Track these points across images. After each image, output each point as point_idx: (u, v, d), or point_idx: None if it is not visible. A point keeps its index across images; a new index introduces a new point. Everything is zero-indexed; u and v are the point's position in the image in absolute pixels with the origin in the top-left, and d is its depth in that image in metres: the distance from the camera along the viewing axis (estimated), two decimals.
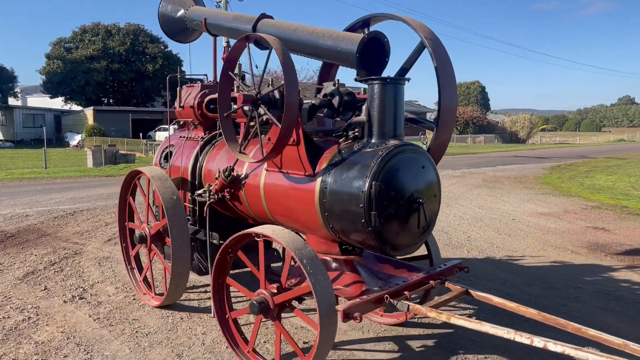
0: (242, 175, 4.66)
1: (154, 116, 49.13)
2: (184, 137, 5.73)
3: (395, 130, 3.83)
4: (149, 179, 5.14)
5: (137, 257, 5.88)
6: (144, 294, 5.58)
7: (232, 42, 5.71)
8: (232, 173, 4.64)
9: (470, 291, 3.96)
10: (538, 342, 3.05)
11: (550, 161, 28.98)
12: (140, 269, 5.78)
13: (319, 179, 3.90)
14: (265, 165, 4.43)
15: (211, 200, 4.86)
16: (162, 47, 52.92)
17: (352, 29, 4.58)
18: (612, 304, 5.68)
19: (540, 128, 77.57)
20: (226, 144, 5.09)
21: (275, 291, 3.70)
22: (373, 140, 3.82)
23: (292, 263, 3.74)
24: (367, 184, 3.54)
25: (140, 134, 37.76)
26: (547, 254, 7.98)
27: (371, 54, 3.96)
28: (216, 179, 4.80)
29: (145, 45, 51.63)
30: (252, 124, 4.21)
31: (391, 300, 3.61)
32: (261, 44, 4.52)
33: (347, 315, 3.36)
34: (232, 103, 4.89)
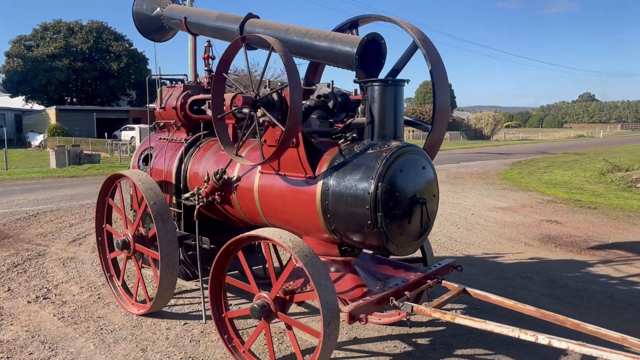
0: (234, 178, 4.65)
1: (119, 115, 48.33)
2: (165, 139, 5.66)
3: (396, 132, 3.91)
4: (134, 184, 5.00)
5: (114, 263, 5.74)
6: (129, 302, 5.43)
7: (214, 41, 5.73)
8: (223, 176, 4.63)
9: (468, 289, 4.11)
10: (543, 339, 3.16)
11: (512, 157, 29.79)
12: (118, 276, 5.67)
13: (320, 182, 3.92)
14: (259, 168, 4.43)
15: (200, 203, 4.81)
16: (127, 45, 52.03)
17: (340, 30, 4.66)
18: (556, 291, 6.05)
19: (505, 125, 79.19)
20: (213, 146, 5.14)
21: (281, 295, 3.73)
22: (374, 142, 3.86)
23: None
24: (373, 186, 3.60)
25: (106, 134, 37.13)
26: (502, 246, 8.36)
27: (368, 55, 4.02)
28: (205, 182, 4.77)
29: (110, 43, 50.68)
30: (240, 125, 4.16)
31: (395, 301, 3.69)
32: (251, 45, 4.48)
33: (353, 317, 3.43)
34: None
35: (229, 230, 5.46)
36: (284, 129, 3.75)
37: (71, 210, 11.35)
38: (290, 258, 3.87)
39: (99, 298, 5.77)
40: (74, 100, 52.50)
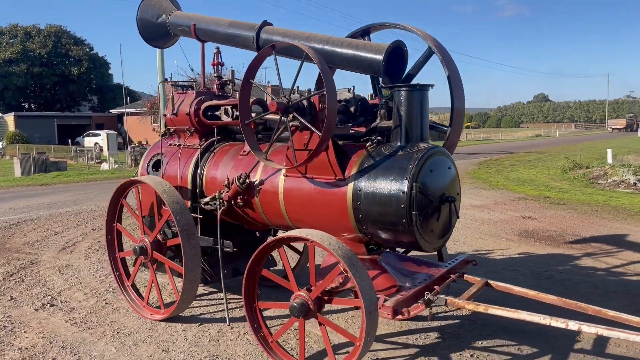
0: (256, 182, 4.79)
1: (81, 121, 47.33)
2: (177, 144, 5.73)
3: (422, 134, 4.16)
4: (157, 194, 5.03)
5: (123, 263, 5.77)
6: (140, 305, 5.48)
7: (221, 47, 5.81)
8: (247, 180, 4.75)
9: (490, 282, 4.42)
10: (573, 325, 3.47)
11: (477, 157, 30.65)
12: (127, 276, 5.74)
13: (350, 183, 4.11)
14: (283, 171, 4.58)
15: (222, 208, 4.94)
16: (88, 50, 51.04)
17: (352, 37, 4.87)
18: (543, 282, 6.44)
19: (465, 125, 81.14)
20: (229, 151, 5.27)
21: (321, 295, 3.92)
22: (403, 144, 4.11)
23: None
24: (407, 186, 3.84)
25: (69, 140, 36.29)
26: (485, 242, 8.76)
27: (392, 61, 4.25)
28: (225, 186, 4.90)
29: (69, 48, 49.58)
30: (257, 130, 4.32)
31: (429, 295, 3.92)
32: (277, 53, 4.64)
33: (396, 312, 3.68)
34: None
35: (243, 233, 5.64)
36: (320, 134, 3.93)
37: (52, 218, 11.18)
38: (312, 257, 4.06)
39: (106, 303, 5.82)
40: (33, 106, 51.11)
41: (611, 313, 3.81)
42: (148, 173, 5.85)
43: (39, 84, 49.23)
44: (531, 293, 4.24)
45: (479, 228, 9.91)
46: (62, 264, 7.50)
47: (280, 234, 4.54)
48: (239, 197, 4.89)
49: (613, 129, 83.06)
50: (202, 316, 5.42)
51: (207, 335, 4.91)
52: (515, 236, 9.19)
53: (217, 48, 5.79)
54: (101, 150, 33.14)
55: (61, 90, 50.13)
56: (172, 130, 5.82)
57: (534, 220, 10.70)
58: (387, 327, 5.07)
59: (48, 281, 6.68)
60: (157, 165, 5.86)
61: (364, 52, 4.33)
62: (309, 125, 4.00)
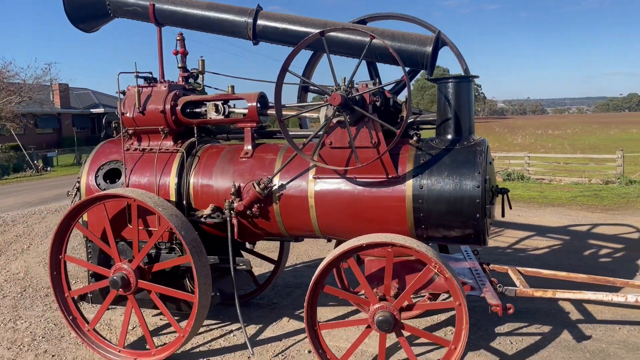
0: (275, 187, 4.20)
1: None
2: (139, 148, 4.70)
3: (471, 126, 4.06)
4: (151, 208, 4.16)
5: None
6: (122, 352, 4.46)
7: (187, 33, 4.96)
8: (269, 185, 4.14)
9: (519, 269, 4.56)
10: (631, 297, 3.92)
11: None
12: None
13: (409, 181, 3.87)
14: (312, 172, 4.11)
15: (232, 219, 4.29)
16: None
17: None
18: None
19: None
20: (220, 154, 4.56)
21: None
22: (455, 137, 3.99)
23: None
24: (481, 180, 3.73)
25: None
26: None
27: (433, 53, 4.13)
28: (231, 194, 4.24)
29: None
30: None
31: (501, 288, 4.05)
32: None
33: (504, 308, 3.80)
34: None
35: (222, 248, 4.88)
36: (396, 130, 3.67)
37: None
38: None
39: (53, 356, 4.55)
40: None
41: (638, 282, 4.30)
42: (98, 186, 4.68)
43: None
44: (561, 274, 4.54)
45: None
46: None
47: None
48: (255, 206, 4.26)
49: None
50: (200, 349, 4.60)
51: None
52: None
53: (181, 34, 4.94)
54: None
55: None
56: (130, 131, 4.75)
57: None
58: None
59: None
60: (112, 176, 4.75)
61: (404, 43, 4.15)
62: (385, 123, 3.76)
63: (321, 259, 7.26)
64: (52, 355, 4.56)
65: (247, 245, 5.25)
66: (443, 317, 5.16)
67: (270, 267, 5.98)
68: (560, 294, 4.05)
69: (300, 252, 7.72)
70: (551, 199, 11.81)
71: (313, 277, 3.82)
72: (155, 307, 4.59)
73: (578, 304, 5.22)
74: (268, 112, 4.51)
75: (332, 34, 4.29)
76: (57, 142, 36.77)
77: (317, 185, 4.13)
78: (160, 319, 5.24)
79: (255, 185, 4.17)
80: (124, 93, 4.74)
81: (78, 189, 4.81)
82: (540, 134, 42.84)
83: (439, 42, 4.25)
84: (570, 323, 4.86)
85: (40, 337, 4.93)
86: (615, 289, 4.45)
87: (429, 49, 4.07)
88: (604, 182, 14.28)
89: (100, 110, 41.04)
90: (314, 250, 7.86)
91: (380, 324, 3.63)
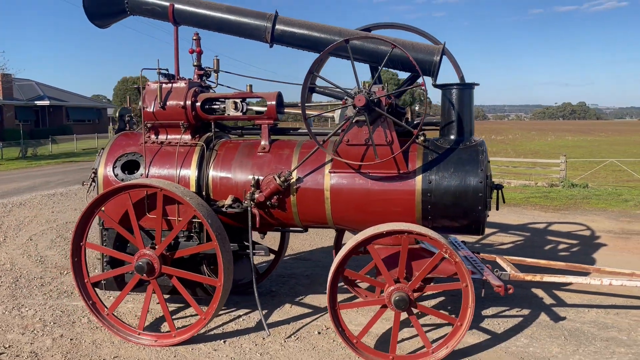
0: (293, 179, 4.54)
1: None
2: (157, 142, 4.91)
3: (472, 128, 4.56)
4: (175, 195, 4.44)
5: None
6: (142, 334, 4.67)
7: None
8: (289, 178, 4.47)
9: (504, 257, 5.10)
10: (606, 280, 4.63)
11: None
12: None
13: (419, 176, 4.31)
14: (328, 167, 4.46)
15: (252, 209, 4.60)
16: None
17: None
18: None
19: None
20: (238, 148, 4.87)
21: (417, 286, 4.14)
22: (458, 137, 4.48)
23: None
24: (483, 176, 4.24)
25: None
26: None
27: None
28: (252, 187, 4.57)
29: None
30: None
31: (500, 272, 4.59)
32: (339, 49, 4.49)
33: (505, 288, 4.25)
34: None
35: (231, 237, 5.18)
36: (413, 130, 4.11)
37: None
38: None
39: (71, 340, 4.70)
40: None
41: (608, 269, 4.95)
42: (116, 177, 4.87)
43: None
44: (542, 262, 5.15)
45: None
46: None
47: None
48: (274, 197, 4.60)
49: None
50: (215, 332, 4.88)
51: (255, 350, 4.48)
52: None
53: (197, 34, 5.19)
54: None
55: None
56: (148, 125, 4.96)
57: None
58: None
59: None
60: (130, 167, 4.96)
61: (414, 52, 4.58)
62: (397, 120, 4.21)
63: (305, 252, 7.79)
64: (70, 339, 4.70)
65: (258, 235, 5.56)
66: (433, 302, 5.67)
67: (263, 258, 6.29)
68: (547, 277, 4.64)
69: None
70: (506, 200, 12.64)
71: (335, 262, 4.20)
72: (170, 293, 4.86)
73: (549, 290, 5.86)
74: (285, 110, 4.87)
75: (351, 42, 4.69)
76: None
77: (332, 179, 4.52)
78: (169, 306, 5.45)
79: (276, 177, 4.50)
80: (143, 88, 4.96)
81: (93, 180, 4.98)
82: (484, 139, 44.79)
83: (444, 52, 4.72)
84: (546, 307, 5.46)
85: (52, 323, 5.04)
86: (589, 274, 5.08)
87: (437, 58, 4.55)
88: (549, 185, 15.38)
89: (46, 102, 39.57)
90: (296, 243, 8.20)
91: (397, 303, 4.06)
